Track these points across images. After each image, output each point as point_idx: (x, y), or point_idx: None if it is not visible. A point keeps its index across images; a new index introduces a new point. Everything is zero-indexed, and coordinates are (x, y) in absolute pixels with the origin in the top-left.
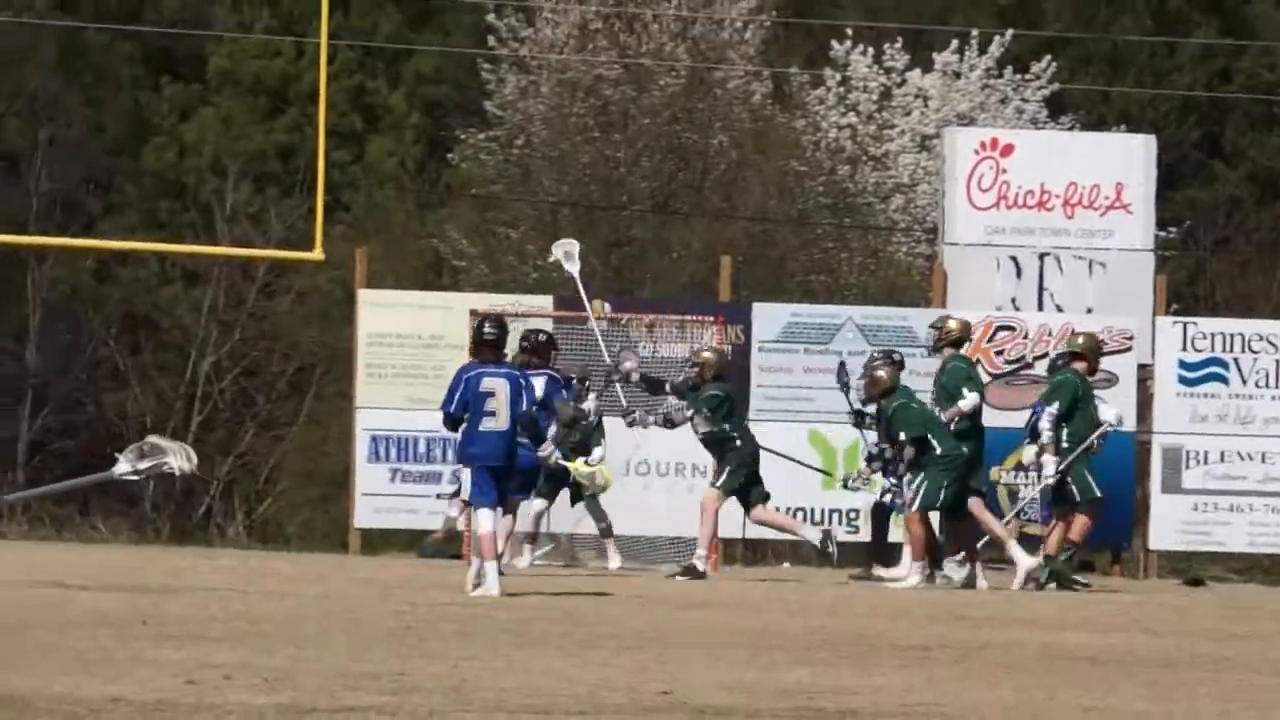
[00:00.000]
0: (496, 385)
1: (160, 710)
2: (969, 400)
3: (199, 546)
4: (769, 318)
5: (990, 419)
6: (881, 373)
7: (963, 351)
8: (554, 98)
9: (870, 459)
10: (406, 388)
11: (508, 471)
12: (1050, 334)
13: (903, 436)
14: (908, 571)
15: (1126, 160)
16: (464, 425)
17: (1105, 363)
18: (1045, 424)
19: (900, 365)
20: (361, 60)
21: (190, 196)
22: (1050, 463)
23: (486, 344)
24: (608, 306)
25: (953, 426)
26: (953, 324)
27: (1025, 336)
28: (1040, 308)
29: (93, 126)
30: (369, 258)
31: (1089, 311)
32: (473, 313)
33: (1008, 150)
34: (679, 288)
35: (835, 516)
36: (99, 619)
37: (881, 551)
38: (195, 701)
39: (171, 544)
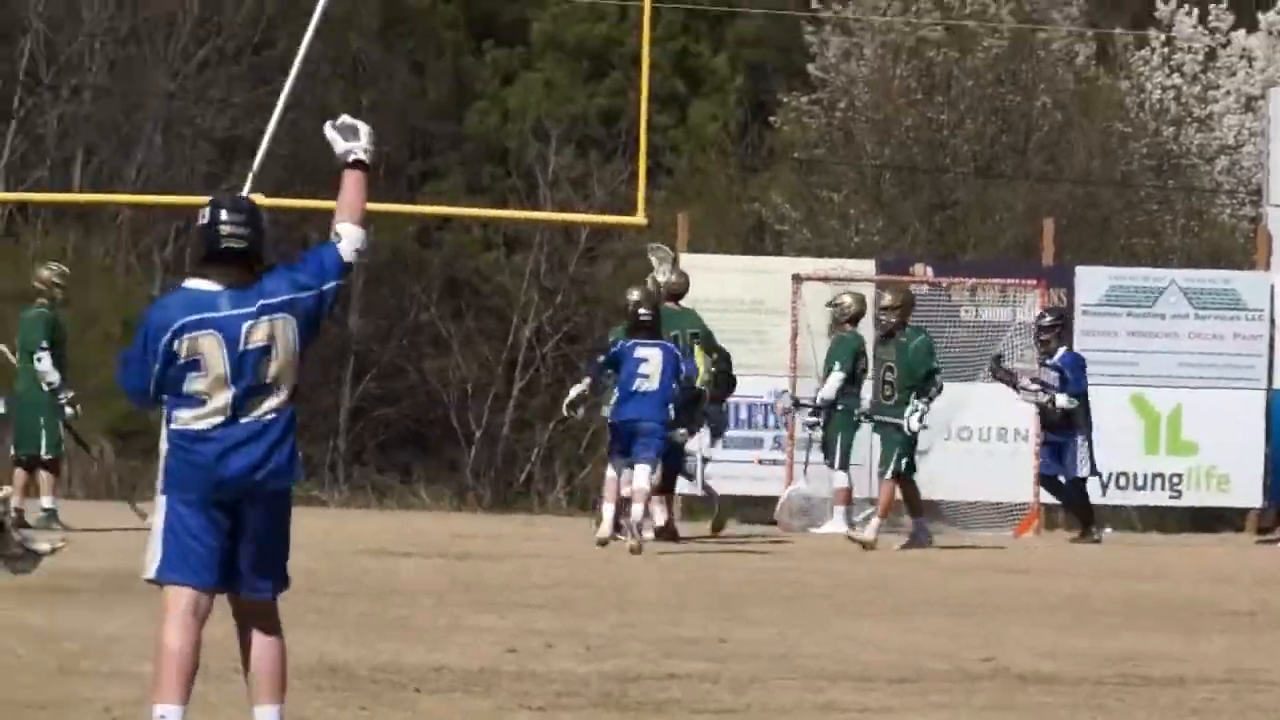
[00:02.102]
0: (650, 354)
1: (482, 678)
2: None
3: (520, 513)
4: (1092, 281)
5: None
6: (847, 298)
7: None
8: (877, 60)
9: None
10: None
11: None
12: None
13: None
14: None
15: None
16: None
17: None
18: None
19: (1056, 327)
20: (685, 24)
21: (513, 161)
22: None
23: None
24: (929, 270)
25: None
26: (848, 300)
27: None
28: None
29: (414, 91)
30: (691, 222)
31: None
32: (795, 277)
33: None
34: (1001, 251)
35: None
36: (421, 587)
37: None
38: (517, 669)
39: (493, 511)
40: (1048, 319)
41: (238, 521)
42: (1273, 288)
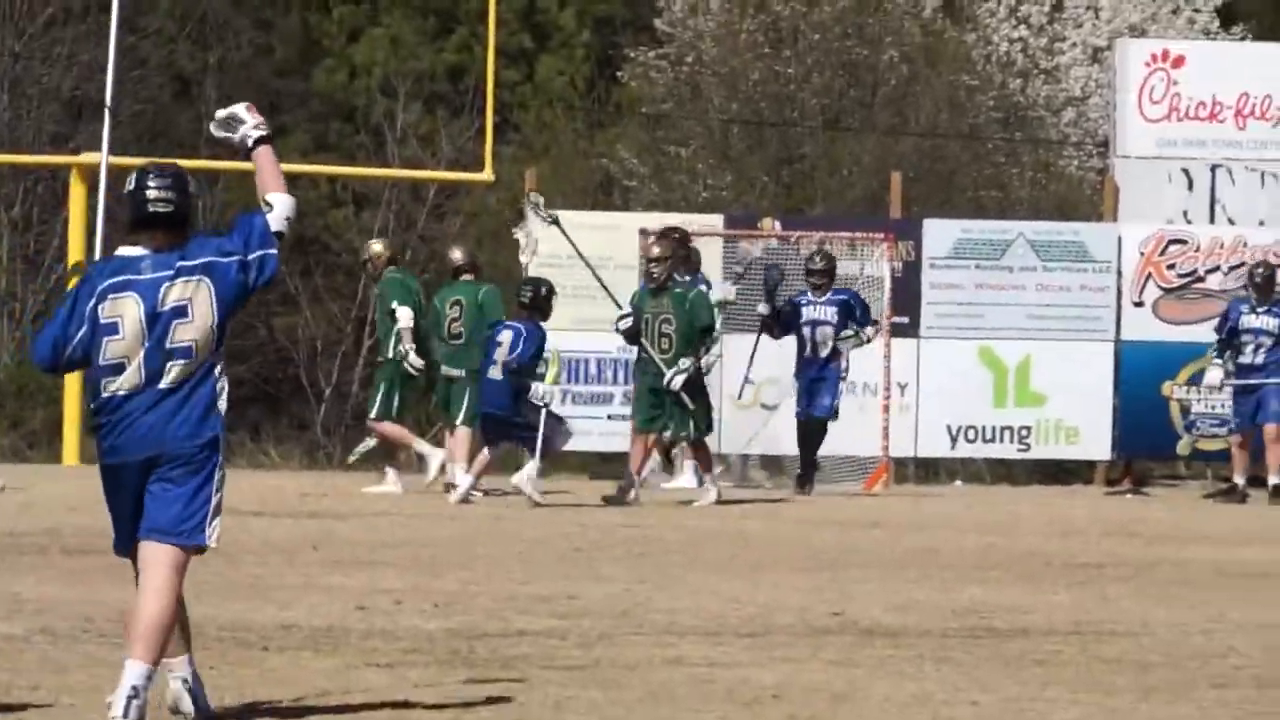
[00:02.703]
0: (504, 337)
1: (331, 636)
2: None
3: (370, 471)
4: (939, 234)
5: (1162, 333)
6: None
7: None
8: (724, 14)
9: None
10: (575, 308)
11: None
12: (1222, 246)
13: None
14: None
15: None
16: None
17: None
18: None
19: (828, 271)
20: None
21: (360, 118)
22: None
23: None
24: (777, 225)
25: None
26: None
27: (1197, 249)
28: (1212, 220)
29: (262, 49)
30: (539, 178)
31: (1261, 224)
32: (642, 232)
33: (1179, 62)
34: (849, 205)
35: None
36: (271, 545)
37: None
38: (366, 627)
39: (342, 469)
40: (819, 262)
41: (148, 478)
42: (1120, 239)
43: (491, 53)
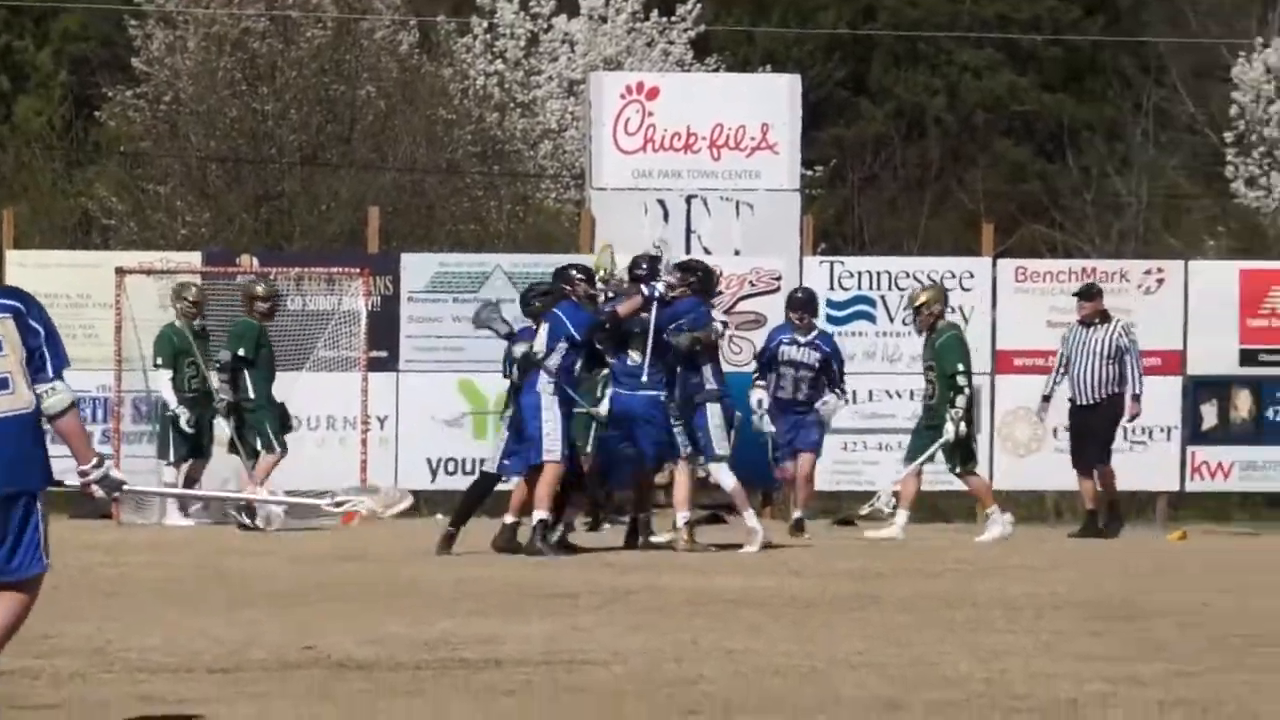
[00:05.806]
0: None
1: None
2: None
3: None
4: (417, 268)
5: None
6: None
7: None
8: (201, 52)
9: None
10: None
11: None
12: None
13: None
14: None
15: (772, 100)
16: None
17: (753, 304)
18: None
19: None
20: (8, 20)
21: None
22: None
23: None
24: (255, 261)
25: None
26: None
27: None
28: (688, 250)
29: None
30: (16, 218)
31: (737, 253)
32: (118, 270)
33: (653, 93)
34: (328, 240)
35: None
36: None
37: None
38: None
39: None
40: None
41: None
42: None
43: None
